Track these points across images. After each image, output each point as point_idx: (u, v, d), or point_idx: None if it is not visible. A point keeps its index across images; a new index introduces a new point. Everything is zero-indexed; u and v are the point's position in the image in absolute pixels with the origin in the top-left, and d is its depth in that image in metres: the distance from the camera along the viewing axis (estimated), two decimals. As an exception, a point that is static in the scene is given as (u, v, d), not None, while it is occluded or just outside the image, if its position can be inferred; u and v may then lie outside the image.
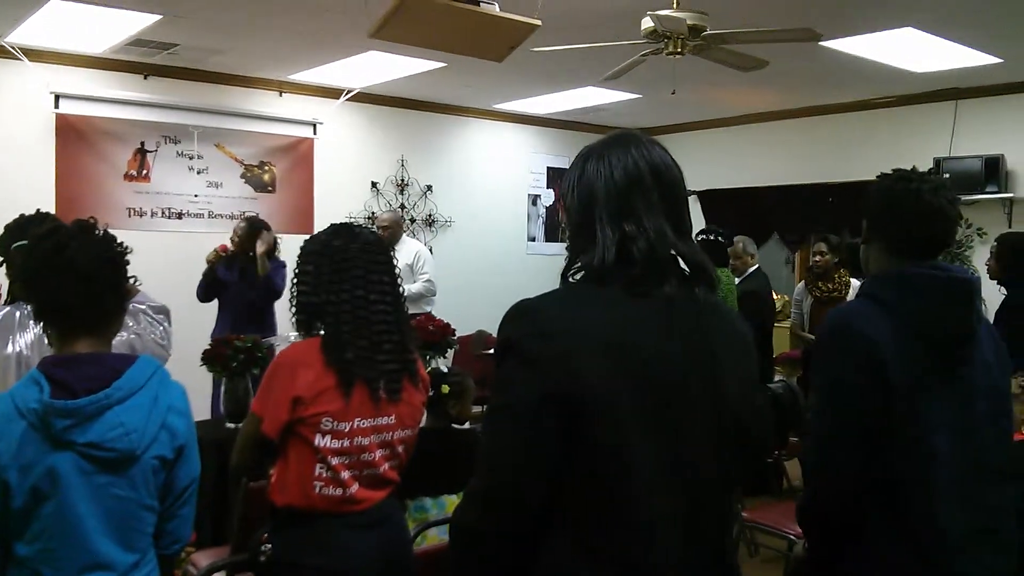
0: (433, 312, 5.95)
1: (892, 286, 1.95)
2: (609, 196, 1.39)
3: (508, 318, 1.37)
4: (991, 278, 4.75)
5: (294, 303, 2.30)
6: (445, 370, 3.64)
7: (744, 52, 4.42)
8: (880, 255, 2.04)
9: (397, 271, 2.36)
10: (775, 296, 8.10)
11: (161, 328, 2.75)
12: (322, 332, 2.24)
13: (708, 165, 8.41)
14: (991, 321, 4.61)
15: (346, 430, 2.16)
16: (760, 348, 5.40)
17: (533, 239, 8.74)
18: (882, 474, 1.87)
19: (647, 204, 1.38)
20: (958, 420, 1.89)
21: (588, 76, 6.27)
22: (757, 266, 5.98)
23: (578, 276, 1.41)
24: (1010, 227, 6.16)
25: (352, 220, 7.01)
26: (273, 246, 5.35)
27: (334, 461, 2.16)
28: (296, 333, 2.38)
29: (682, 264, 1.42)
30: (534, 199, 8.74)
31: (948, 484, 1.87)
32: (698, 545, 1.38)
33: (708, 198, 8.37)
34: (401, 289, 2.34)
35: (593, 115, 8.12)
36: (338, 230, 2.32)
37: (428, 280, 6.40)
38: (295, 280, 2.30)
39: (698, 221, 8.41)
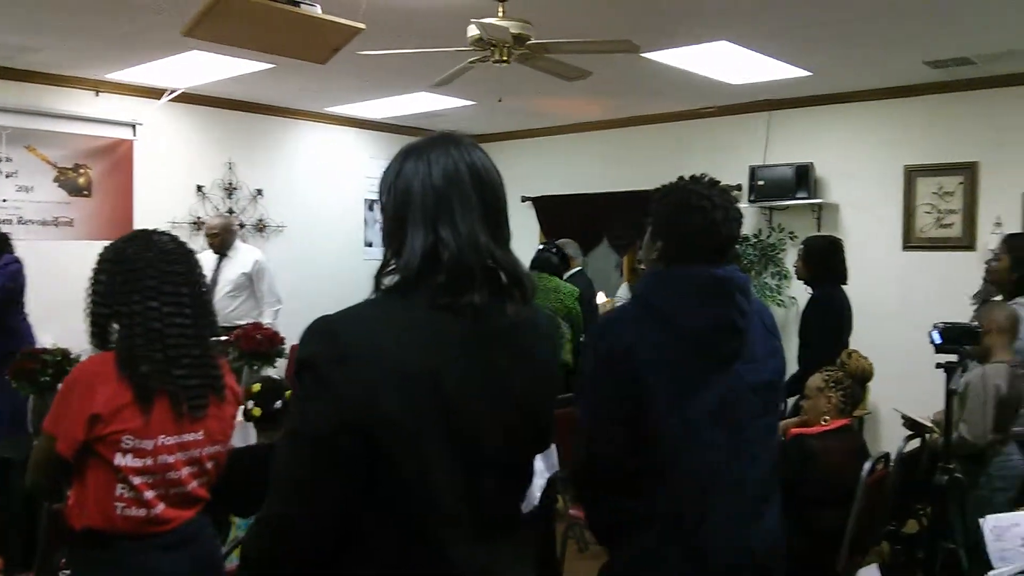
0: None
1: (657, 287, 2.06)
2: (425, 196, 1.35)
3: (308, 336, 1.30)
4: (798, 278, 5.04)
5: (88, 313, 2.18)
6: (277, 378, 3.59)
7: (567, 62, 4.52)
8: (667, 266, 2.11)
9: (205, 279, 2.28)
10: (606, 299, 8.34)
11: None
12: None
13: (542, 172, 8.56)
14: (801, 318, 4.93)
15: (149, 448, 2.06)
16: (579, 350, 5.54)
17: (370, 244, 8.63)
18: (647, 462, 1.96)
19: (464, 207, 1.34)
20: (725, 411, 1.98)
21: (420, 81, 6.26)
22: (579, 268, 6.14)
23: (391, 280, 1.37)
24: (819, 231, 6.54)
25: (174, 224, 6.77)
26: None
27: (136, 480, 2.05)
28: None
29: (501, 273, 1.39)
30: (371, 204, 8.64)
31: (713, 475, 1.97)
32: (493, 567, 1.38)
33: (542, 204, 8.52)
34: (208, 298, 2.26)
35: (429, 121, 8.11)
36: (134, 237, 2.20)
37: (276, 307, 6.24)
38: (89, 290, 2.18)
39: (533, 227, 8.57)
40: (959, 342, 3.04)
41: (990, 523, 3.00)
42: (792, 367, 5.16)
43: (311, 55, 3.78)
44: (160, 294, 2.12)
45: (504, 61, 4.19)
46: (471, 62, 4.41)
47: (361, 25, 3.49)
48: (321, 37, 3.53)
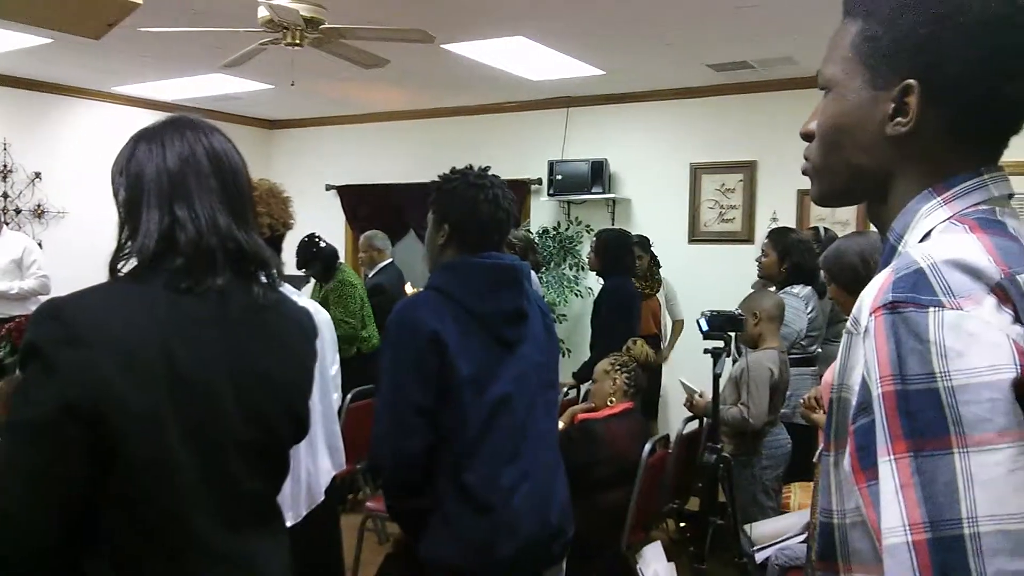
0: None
1: (450, 277, 2.15)
2: (160, 180, 1.32)
3: (34, 319, 1.23)
4: (591, 270, 5.22)
5: None
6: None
7: (363, 48, 4.47)
8: (455, 251, 2.20)
9: None
10: (414, 289, 8.33)
11: None
12: None
13: (346, 160, 8.45)
14: (593, 308, 5.11)
15: None
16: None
17: (163, 233, 8.22)
18: (453, 446, 2.07)
19: (201, 190, 1.32)
20: (518, 391, 2.14)
21: (213, 62, 6.00)
22: (390, 260, 6.09)
23: (127, 266, 1.32)
24: (613, 224, 6.78)
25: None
26: None
27: None
28: None
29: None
30: (164, 191, 8.23)
31: (513, 453, 2.12)
32: (249, 557, 1.36)
33: (346, 193, 8.41)
34: None
35: (226, 104, 7.82)
36: None
37: (44, 276, 5.85)
38: None
39: (339, 216, 8.44)
40: (724, 329, 3.24)
41: (748, 530, 3.25)
42: (584, 355, 5.35)
43: (84, 30, 3.53)
44: None
45: (297, 44, 4.10)
46: (262, 44, 4.28)
47: (138, 0, 3.31)
48: (93, 11, 3.31)
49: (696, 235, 6.81)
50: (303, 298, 2.31)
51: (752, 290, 5.06)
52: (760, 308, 3.72)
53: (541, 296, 2.42)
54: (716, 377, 3.25)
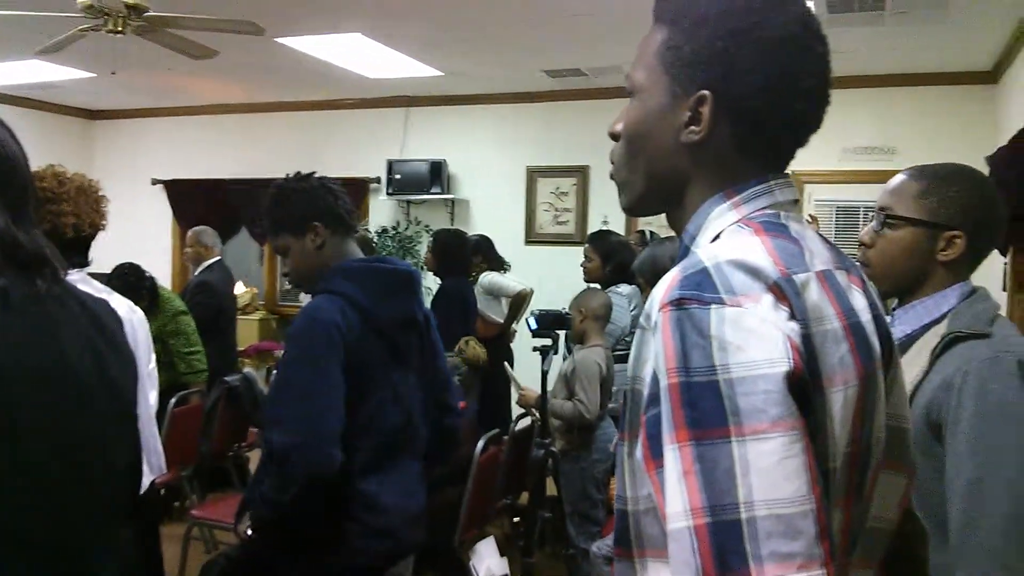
0: None
1: (349, 281, 2.17)
2: None
3: None
4: (428, 270, 5.24)
5: None
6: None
7: (190, 38, 4.32)
8: (339, 245, 2.26)
9: None
10: (246, 289, 8.10)
11: None
12: None
13: (175, 154, 8.12)
14: (430, 307, 5.12)
15: None
16: (214, 339, 5.26)
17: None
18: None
19: None
20: (396, 398, 2.20)
21: (30, 48, 5.64)
22: (219, 258, 5.88)
23: None
24: (452, 225, 6.82)
25: None
26: None
27: None
28: None
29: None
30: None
31: (380, 451, 2.17)
32: (85, 556, 1.30)
33: (174, 188, 8.08)
34: None
35: (43, 92, 7.37)
36: None
37: None
38: None
39: (166, 212, 8.10)
40: (552, 327, 3.34)
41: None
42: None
43: None
44: None
45: (119, 32, 3.91)
46: (81, 30, 4.06)
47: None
48: None
49: (532, 236, 6.95)
50: (115, 296, 2.20)
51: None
52: (586, 306, 3.83)
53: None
54: (544, 374, 3.33)
